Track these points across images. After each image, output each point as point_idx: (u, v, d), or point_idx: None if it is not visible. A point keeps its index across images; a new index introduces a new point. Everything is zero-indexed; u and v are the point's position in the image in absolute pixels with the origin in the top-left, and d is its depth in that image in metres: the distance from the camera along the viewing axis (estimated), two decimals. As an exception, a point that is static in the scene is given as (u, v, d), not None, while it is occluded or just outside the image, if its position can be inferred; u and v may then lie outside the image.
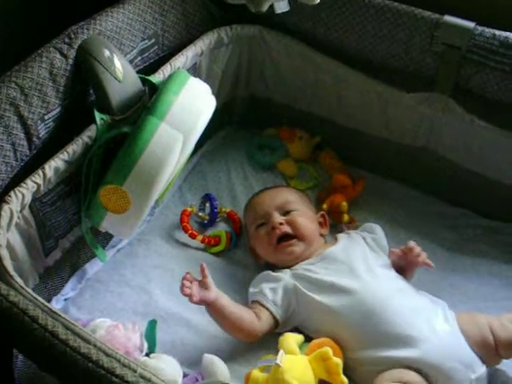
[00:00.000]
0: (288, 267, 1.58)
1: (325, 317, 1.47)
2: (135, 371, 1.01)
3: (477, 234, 1.76)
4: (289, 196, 1.67)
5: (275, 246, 1.59)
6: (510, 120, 1.63)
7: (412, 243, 1.52)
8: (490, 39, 1.55)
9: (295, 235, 1.59)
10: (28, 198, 1.33)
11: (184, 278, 1.40)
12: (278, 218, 1.61)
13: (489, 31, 1.55)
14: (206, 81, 1.70)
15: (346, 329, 1.43)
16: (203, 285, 1.42)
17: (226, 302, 1.45)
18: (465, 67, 1.60)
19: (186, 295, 1.39)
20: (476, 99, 1.64)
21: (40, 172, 1.34)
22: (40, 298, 1.12)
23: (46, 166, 1.35)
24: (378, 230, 1.65)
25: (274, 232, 1.59)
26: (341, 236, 1.64)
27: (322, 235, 1.66)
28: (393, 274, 1.53)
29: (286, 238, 1.59)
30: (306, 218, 1.63)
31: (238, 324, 1.46)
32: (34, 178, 1.34)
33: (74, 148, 1.40)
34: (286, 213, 1.62)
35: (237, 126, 1.99)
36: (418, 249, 1.51)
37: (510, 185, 1.71)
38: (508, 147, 1.66)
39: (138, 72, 1.58)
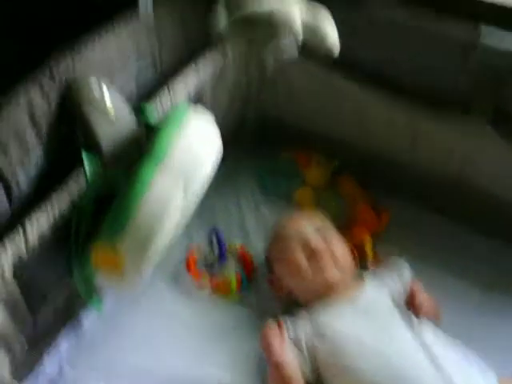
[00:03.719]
0: (308, 306, 1.44)
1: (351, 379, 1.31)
2: None
3: (513, 267, 1.60)
4: (324, 222, 1.56)
5: (313, 272, 1.44)
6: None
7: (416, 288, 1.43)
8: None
9: (336, 263, 1.46)
10: (9, 264, 1.17)
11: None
12: (319, 241, 1.48)
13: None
14: (211, 104, 1.55)
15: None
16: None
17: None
18: (504, 90, 1.43)
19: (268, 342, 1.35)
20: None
21: (21, 232, 1.17)
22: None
23: (28, 225, 1.18)
24: (406, 270, 1.52)
25: (315, 255, 1.45)
26: (367, 277, 1.50)
27: None
28: (424, 327, 1.37)
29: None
30: (344, 248, 1.52)
31: None
32: (14, 240, 1.16)
33: (60, 200, 1.22)
34: (324, 238, 1.49)
35: (247, 150, 1.83)
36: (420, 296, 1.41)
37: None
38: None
39: (132, 97, 1.41)
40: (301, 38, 1.15)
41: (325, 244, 1.48)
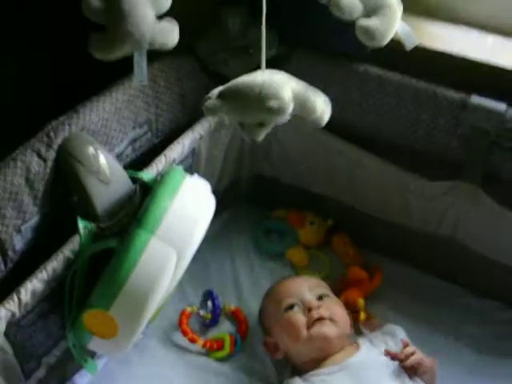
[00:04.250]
0: (303, 371, 1.42)
1: None
2: None
3: (508, 330, 1.58)
4: (321, 282, 1.56)
5: (310, 329, 1.42)
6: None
7: (404, 344, 1.38)
8: (524, 122, 1.37)
9: (332, 320, 1.44)
10: (1, 328, 1.17)
11: None
12: (314, 300, 1.47)
13: (522, 114, 1.37)
14: (206, 165, 1.56)
15: None
16: None
17: None
18: (495, 153, 1.42)
19: None
20: (507, 189, 1.46)
21: (15, 297, 1.16)
22: None
23: (22, 290, 1.17)
24: (399, 333, 1.49)
25: (311, 314, 1.43)
26: (362, 342, 1.46)
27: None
28: None
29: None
30: (341, 307, 1.50)
31: None
32: (7, 305, 1.15)
33: (54, 265, 1.22)
34: (319, 298, 1.48)
35: (242, 207, 1.83)
36: (409, 354, 1.36)
37: (545, 278, 1.53)
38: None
39: (129, 163, 1.43)
40: (292, 107, 1.15)
41: (321, 302, 1.47)
